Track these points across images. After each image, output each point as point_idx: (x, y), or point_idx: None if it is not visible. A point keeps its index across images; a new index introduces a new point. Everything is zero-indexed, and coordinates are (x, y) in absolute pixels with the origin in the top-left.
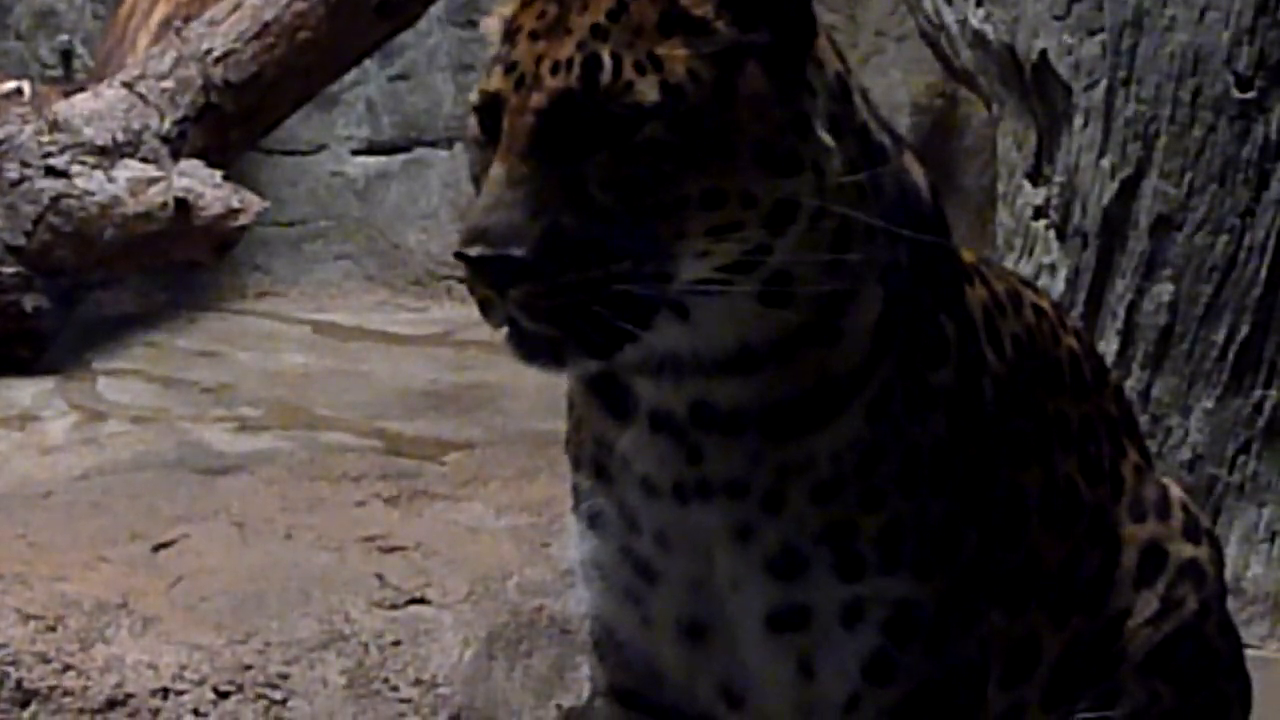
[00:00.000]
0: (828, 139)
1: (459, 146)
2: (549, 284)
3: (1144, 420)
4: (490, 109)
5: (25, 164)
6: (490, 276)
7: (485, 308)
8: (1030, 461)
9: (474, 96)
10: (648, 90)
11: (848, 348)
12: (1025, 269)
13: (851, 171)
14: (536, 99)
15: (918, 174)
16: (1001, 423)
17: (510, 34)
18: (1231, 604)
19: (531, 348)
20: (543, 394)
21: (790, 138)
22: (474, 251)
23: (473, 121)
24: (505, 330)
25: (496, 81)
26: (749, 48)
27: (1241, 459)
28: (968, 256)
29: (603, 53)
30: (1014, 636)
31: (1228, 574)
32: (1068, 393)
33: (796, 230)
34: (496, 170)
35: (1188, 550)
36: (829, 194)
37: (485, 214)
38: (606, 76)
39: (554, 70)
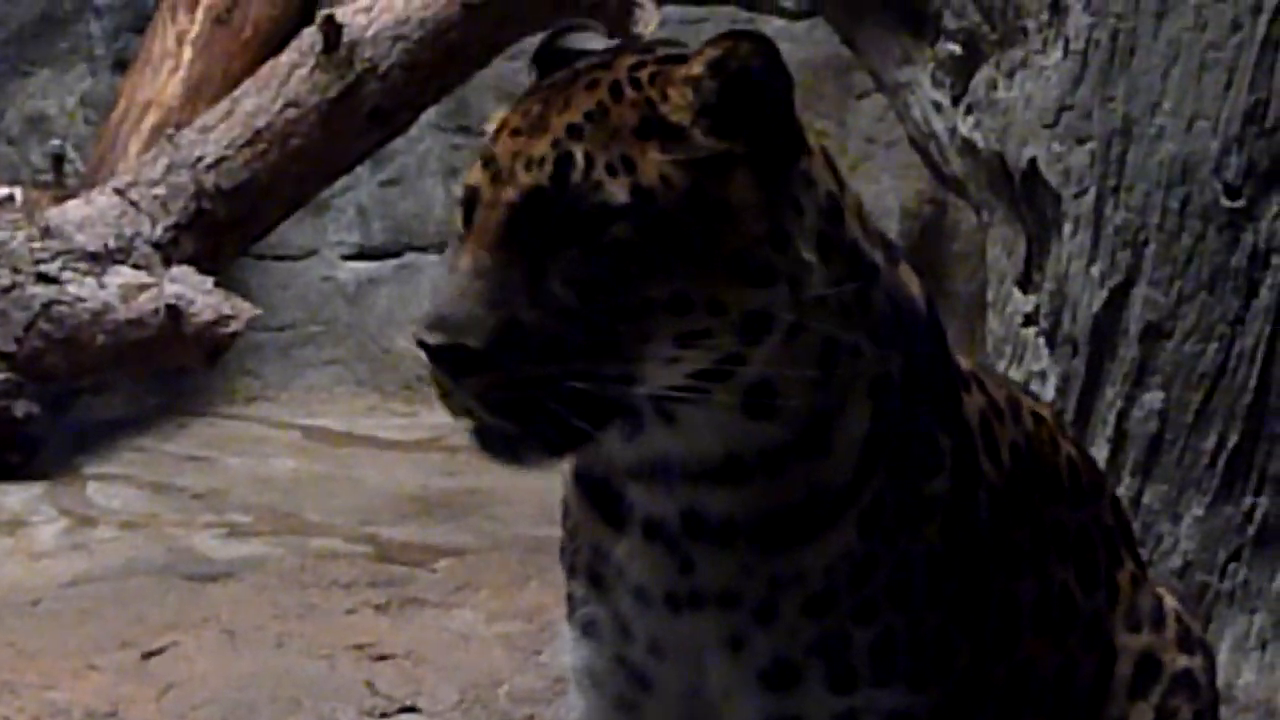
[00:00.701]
0: (809, 255)
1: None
2: (503, 377)
3: (1135, 527)
4: (468, 202)
5: (16, 270)
6: (445, 365)
7: (444, 397)
8: (1026, 570)
9: (457, 189)
10: (617, 191)
11: (837, 461)
12: (1015, 376)
13: (838, 292)
14: (508, 193)
15: (913, 286)
16: (997, 532)
17: (497, 131)
18: (1224, 712)
19: (489, 441)
20: (535, 499)
21: (765, 249)
22: (430, 339)
23: (457, 214)
24: (468, 424)
25: (475, 175)
26: (727, 158)
27: (1232, 566)
28: (965, 364)
29: (576, 151)
30: None
31: (1220, 681)
32: (1065, 501)
33: (772, 342)
34: (464, 260)
35: (1182, 661)
36: (808, 309)
37: (447, 302)
38: (578, 175)
39: (527, 166)
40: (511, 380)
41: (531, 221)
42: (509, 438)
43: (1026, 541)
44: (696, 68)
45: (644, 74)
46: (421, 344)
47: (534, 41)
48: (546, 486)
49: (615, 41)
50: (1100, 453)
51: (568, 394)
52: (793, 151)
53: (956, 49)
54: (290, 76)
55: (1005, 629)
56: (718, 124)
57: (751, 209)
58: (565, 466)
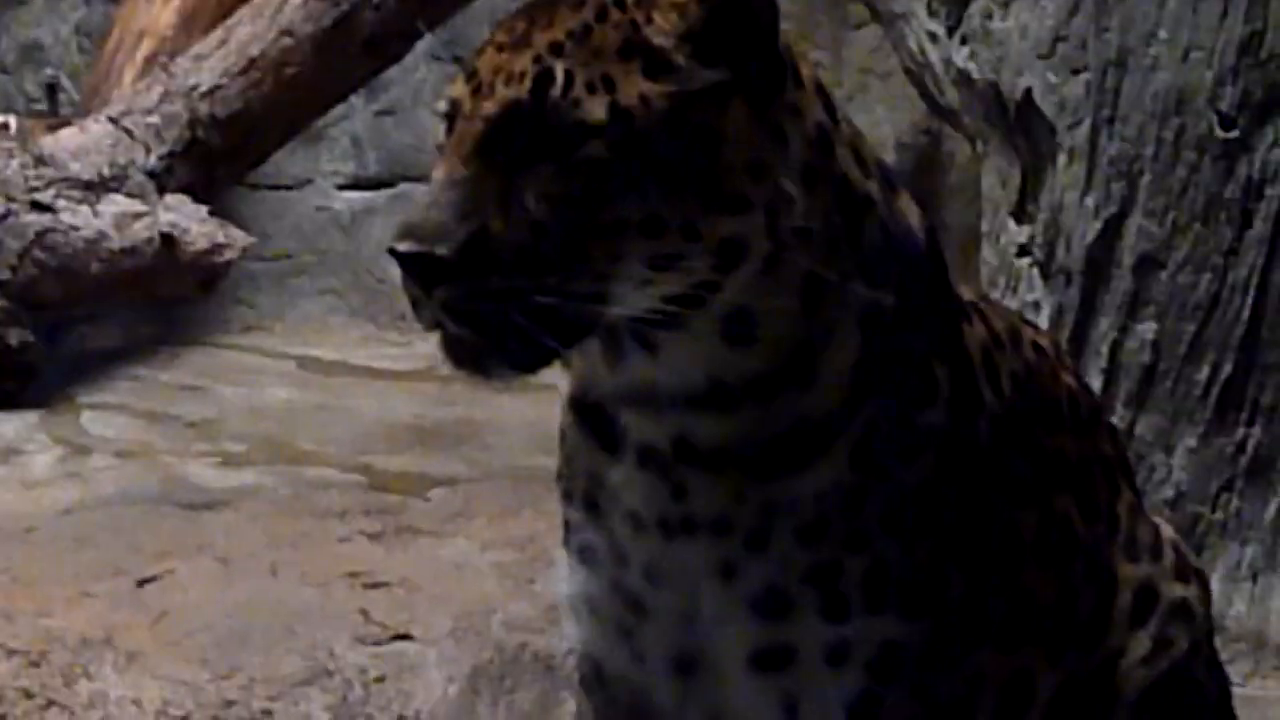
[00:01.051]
0: (790, 186)
1: None
2: (471, 287)
3: (1130, 459)
4: (450, 114)
5: (10, 198)
6: (414, 273)
7: (415, 307)
8: (1027, 499)
9: (442, 103)
10: (595, 109)
11: (824, 390)
12: (1010, 306)
13: (825, 221)
14: (487, 106)
15: (913, 218)
16: (997, 460)
17: (482, 46)
18: (1216, 642)
19: (456, 352)
20: (528, 429)
21: (743, 178)
22: (401, 246)
23: (441, 127)
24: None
25: (457, 88)
26: (708, 83)
27: (1225, 497)
28: (968, 294)
29: (556, 68)
30: (1007, 675)
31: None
32: (1066, 431)
33: (747, 270)
34: (439, 172)
35: (1179, 590)
36: (788, 240)
37: (420, 211)
38: (556, 91)
39: (507, 80)
40: (479, 291)
41: (508, 135)
42: (476, 350)
43: (1027, 470)
44: None
45: None
46: (392, 251)
47: None
48: (540, 416)
49: None
50: (1094, 383)
51: (536, 309)
52: (777, 81)
53: None
54: (285, 5)
55: (1005, 559)
56: (701, 50)
57: (730, 136)
58: (563, 393)
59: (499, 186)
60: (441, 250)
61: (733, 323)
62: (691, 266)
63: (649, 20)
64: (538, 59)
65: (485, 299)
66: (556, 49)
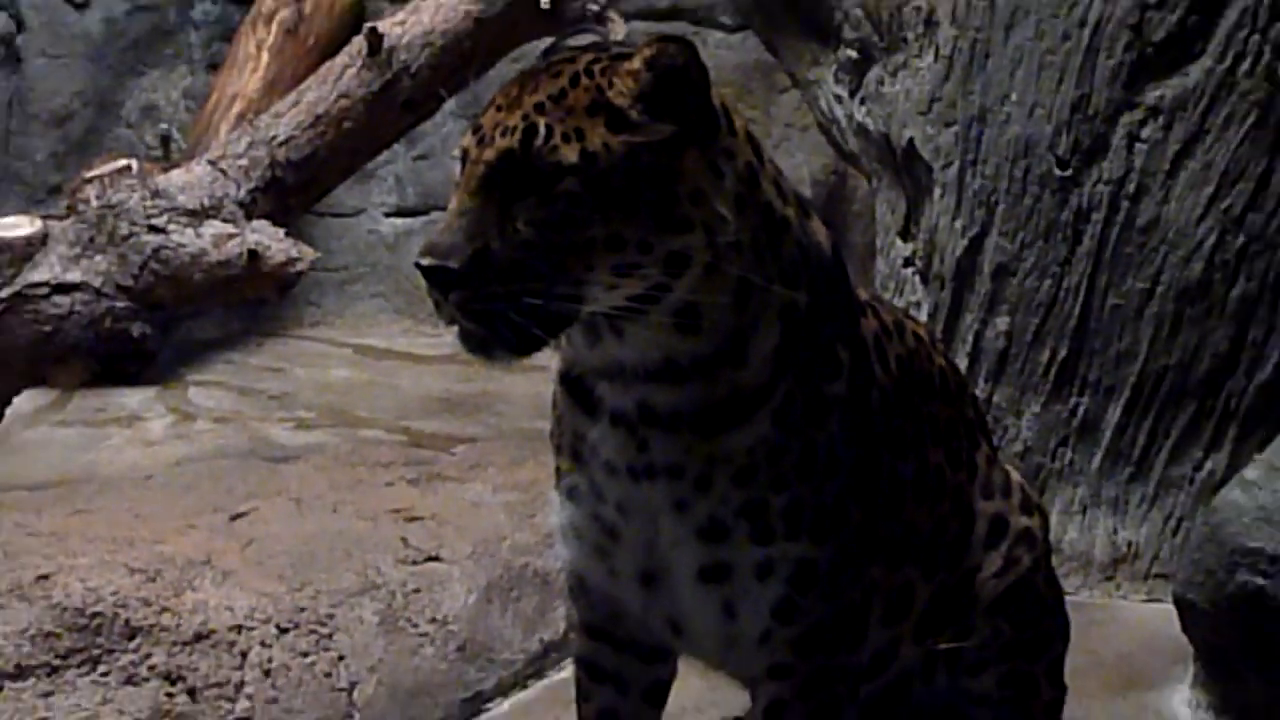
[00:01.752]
0: (724, 210)
1: None
2: (476, 292)
3: (988, 421)
4: (461, 159)
5: (133, 223)
6: (433, 282)
7: (436, 308)
8: (908, 452)
9: (456, 151)
10: (569, 154)
11: (753, 368)
12: (897, 304)
13: (753, 238)
14: (487, 153)
15: (821, 236)
16: (886, 422)
17: (485, 107)
18: (1054, 561)
19: (469, 342)
20: (530, 400)
21: (685, 205)
22: (423, 261)
23: (455, 169)
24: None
25: (466, 139)
26: (657, 133)
27: (1060, 451)
28: (865, 295)
29: (539, 123)
30: (893, 586)
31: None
32: (938, 399)
33: (691, 275)
34: (452, 203)
35: (1024, 521)
36: (723, 252)
37: (437, 234)
38: (539, 140)
39: (503, 133)
40: (483, 295)
41: (503, 175)
42: (483, 340)
43: (908, 430)
44: (636, 63)
45: (597, 67)
46: (418, 265)
47: (531, 47)
48: (538, 390)
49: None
50: (961, 364)
51: (526, 308)
52: (712, 130)
53: (853, 54)
54: (343, 74)
55: (892, 497)
56: (651, 108)
57: (676, 173)
58: (554, 370)
59: (497, 214)
60: (453, 264)
61: (682, 315)
62: (647, 274)
63: (611, 85)
64: (525, 116)
65: (487, 301)
66: (539, 108)
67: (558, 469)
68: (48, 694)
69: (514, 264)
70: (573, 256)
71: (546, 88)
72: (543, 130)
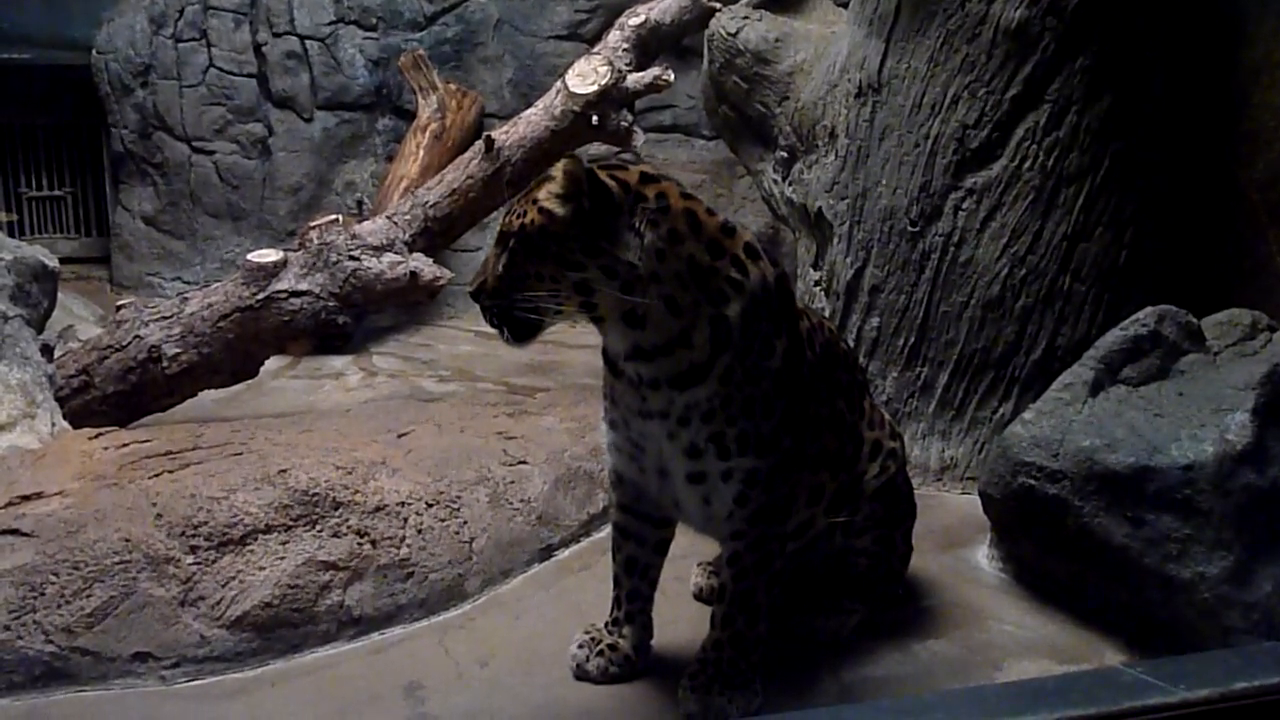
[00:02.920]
0: (630, 257)
1: None
2: (493, 306)
3: (868, 383)
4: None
5: (339, 254)
6: (476, 300)
7: (483, 315)
8: (823, 402)
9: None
10: (514, 224)
11: (697, 350)
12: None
13: (675, 275)
14: (504, 225)
15: (760, 275)
16: (811, 384)
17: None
18: (908, 469)
19: (500, 333)
20: (583, 365)
21: (577, 254)
22: (469, 288)
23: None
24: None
25: (501, 220)
26: (564, 212)
27: (910, 401)
28: (800, 305)
29: (514, 206)
30: (813, 483)
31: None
32: (841, 369)
33: (606, 295)
34: (488, 253)
35: (891, 444)
36: (632, 282)
37: (478, 272)
38: (513, 220)
39: (506, 215)
40: (490, 307)
41: (503, 238)
42: (501, 332)
43: (824, 389)
44: (555, 172)
45: (545, 176)
46: (469, 290)
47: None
48: (587, 360)
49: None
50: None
51: (514, 316)
52: (611, 210)
53: (785, 154)
54: (470, 164)
55: (813, 430)
56: (563, 198)
57: (570, 235)
58: (602, 350)
59: (498, 260)
60: (469, 289)
61: (629, 317)
62: (568, 295)
63: (542, 186)
64: (513, 207)
65: (493, 310)
66: (520, 201)
67: (605, 408)
68: (284, 542)
69: (496, 290)
70: (521, 284)
71: (529, 189)
72: (516, 213)
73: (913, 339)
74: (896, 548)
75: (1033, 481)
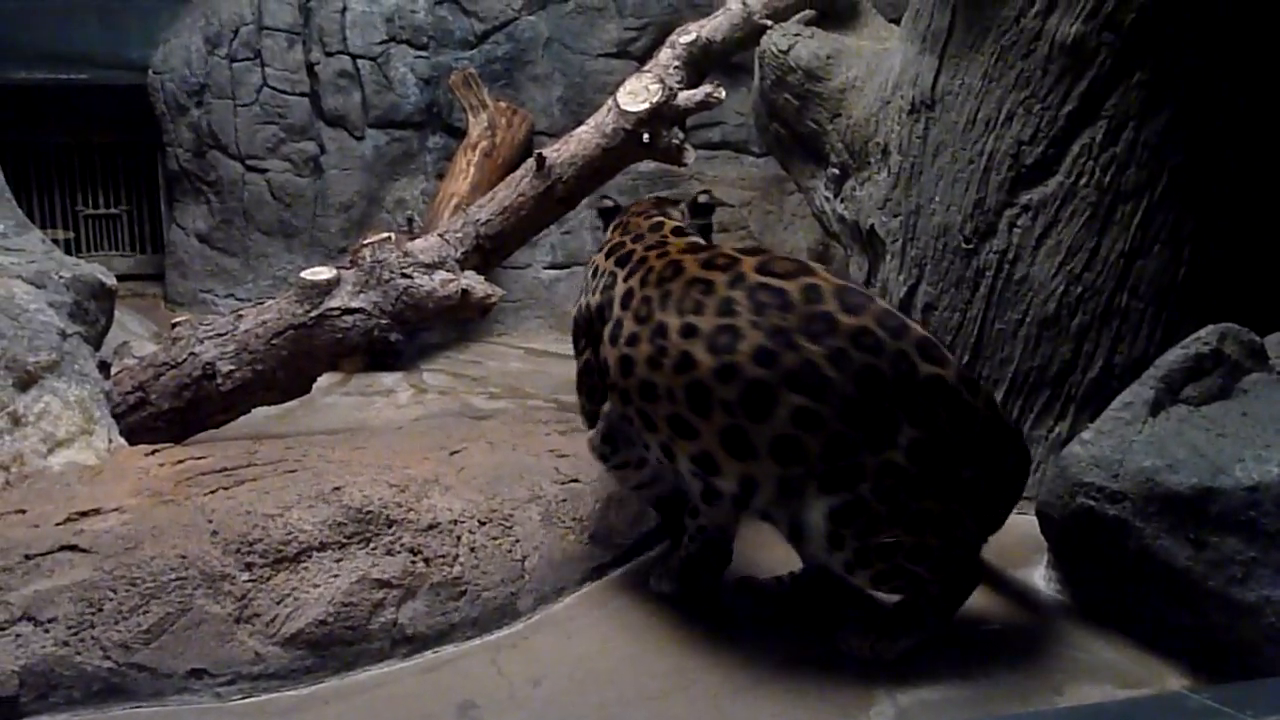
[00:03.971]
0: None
1: None
2: None
3: None
4: None
5: (391, 271)
6: None
7: None
8: None
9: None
10: None
11: None
12: None
13: None
14: None
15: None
16: None
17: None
18: None
19: None
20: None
21: None
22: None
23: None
24: None
25: None
26: None
27: None
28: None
29: None
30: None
31: None
32: None
33: None
34: None
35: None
36: None
37: None
38: None
39: None
40: None
41: None
42: None
43: None
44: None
45: None
46: None
47: (637, 165)
48: None
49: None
50: None
51: None
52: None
53: (837, 171)
54: (520, 182)
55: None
56: None
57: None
58: None
59: None
60: None
61: None
62: None
63: None
64: None
65: None
66: None
67: None
68: (339, 560)
69: None
70: None
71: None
72: None
73: (967, 357)
74: (951, 577)
75: (1092, 502)
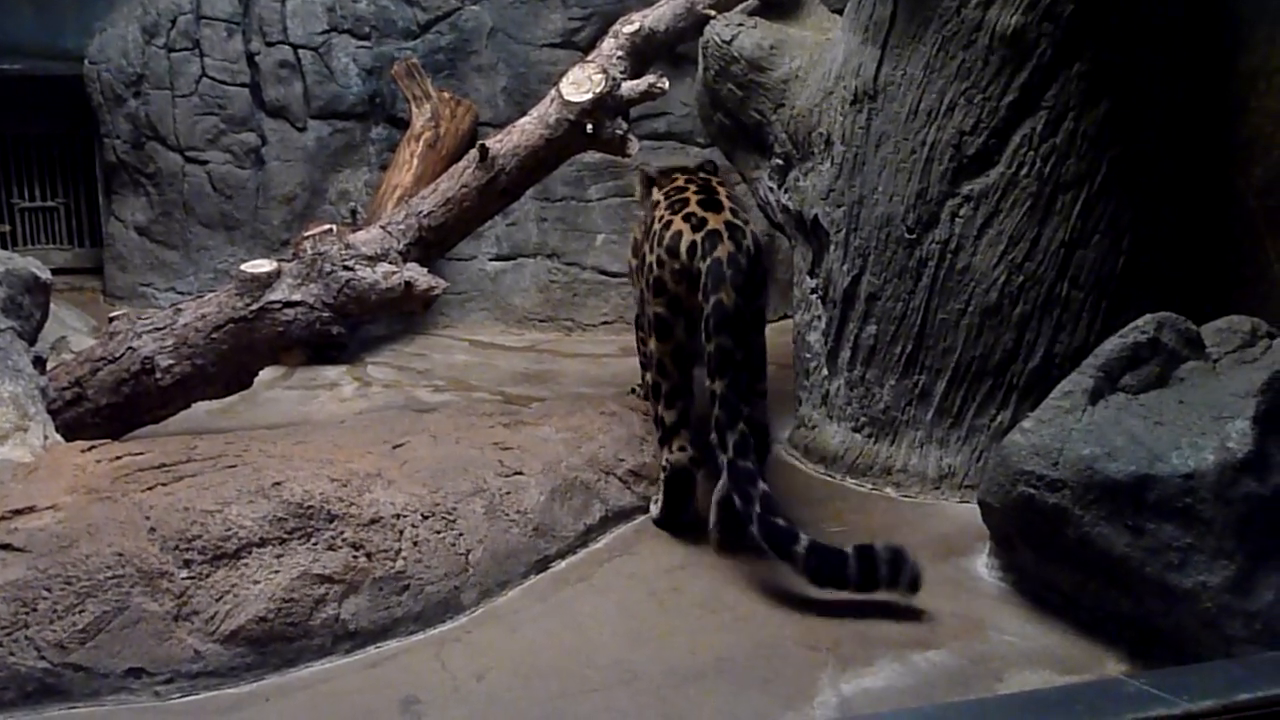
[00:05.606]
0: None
1: (539, 257)
2: None
3: (860, 391)
4: None
5: (333, 264)
6: None
7: None
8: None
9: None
10: None
11: None
12: (804, 319)
13: None
14: None
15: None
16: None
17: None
18: (903, 477)
19: None
20: (578, 375)
21: None
22: None
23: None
24: None
25: None
26: None
27: (908, 408)
28: None
29: None
30: None
31: (901, 464)
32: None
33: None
34: None
35: None
36: None
37: None
38: None
39: None
40: None
41: None
42: None
43: None
44: None
45: None
46: None
47: (585, 157)
48: (583, 369)
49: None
50: (846, 355)
51: None
52: None
53: (780, 162)
54: (464, 173)
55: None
56: None
57: None
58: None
59: None
60: None
61: None
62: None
63: None
64: None
65: None
66: None
67: None
68: (280, 555)
69: None
70: None
71: None
72: None
73: (910, 347)
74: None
75: (1032, 490)
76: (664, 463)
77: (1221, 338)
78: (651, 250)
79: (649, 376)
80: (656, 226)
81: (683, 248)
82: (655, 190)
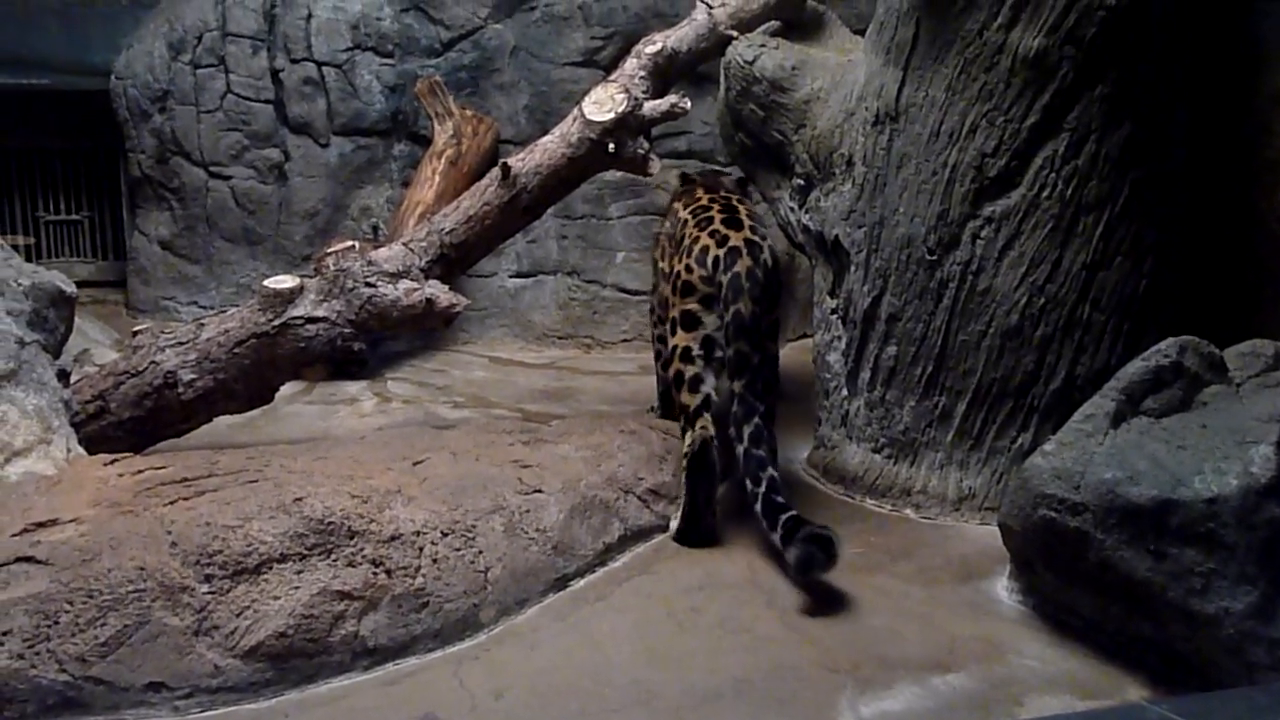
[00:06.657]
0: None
1: (560, 274)
2: None
3: (880, 411)
4: None
5: (355, 280)
6: None
7: None
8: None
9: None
10: None
11: None
12: (824, 339)
13: None
14: None
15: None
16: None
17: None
18: (923, 499)
19: None
20: (597, 392)
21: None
22: None
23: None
24: None
25: None
26: None
27: (928, 430)
28: None
29: None
30: None
31: (921, 485)
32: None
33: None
34: None
35: None
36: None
37: None
38: None
39: None
40: None
41: None
42: None
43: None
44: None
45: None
46: None
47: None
48: (602, 386)
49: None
50: (866, 376)
51: None
52: None
53: (802, 182)
54: (486, 191)
55: None
56: None
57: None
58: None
59: None
60: None
61: None
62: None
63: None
64: None
65: None
66: None
67: None
68: (300, 571)
69: None
70: None
71: None
72: None
73: (930, 368)
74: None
75: (1053, 514)
76: (685, 448)
77: (1244, 361)
78: (680, 260)
79: (671, 369)
80: (686, 242)
81: (708, 261)
82: (684, 199)
